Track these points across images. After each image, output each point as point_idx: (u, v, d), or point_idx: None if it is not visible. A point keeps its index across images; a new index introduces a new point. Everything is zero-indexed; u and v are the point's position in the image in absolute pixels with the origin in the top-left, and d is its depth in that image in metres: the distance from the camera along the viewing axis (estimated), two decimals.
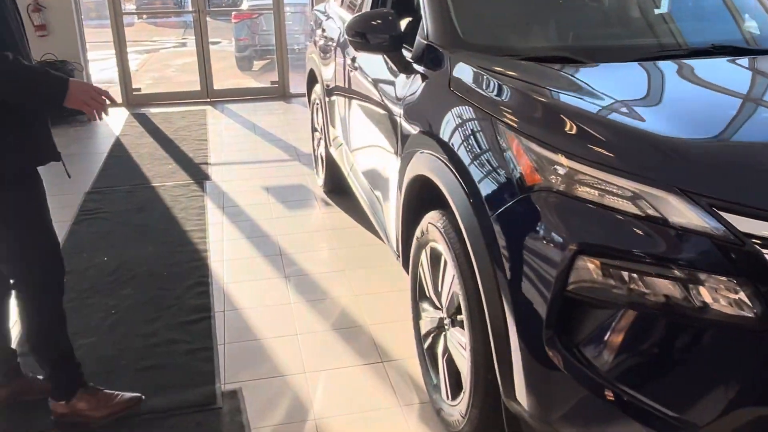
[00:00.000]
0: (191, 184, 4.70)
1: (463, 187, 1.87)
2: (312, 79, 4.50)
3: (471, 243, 1.81)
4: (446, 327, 2.18)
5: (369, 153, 3.12)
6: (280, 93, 7.52)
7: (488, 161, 1.82)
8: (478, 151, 1.88)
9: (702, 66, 2.17)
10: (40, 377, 2.45)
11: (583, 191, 1.57)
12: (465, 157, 1.91)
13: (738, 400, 1.44)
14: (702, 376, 1.48)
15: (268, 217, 4.11)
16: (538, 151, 1.67)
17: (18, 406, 2.38)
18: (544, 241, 1.58)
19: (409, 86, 2.46)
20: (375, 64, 2.90)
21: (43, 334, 2.19)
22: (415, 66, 2.46)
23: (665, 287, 1.45)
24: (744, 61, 2.26)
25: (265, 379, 2.54)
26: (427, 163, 2.17)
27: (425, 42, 2.43)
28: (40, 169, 2.08)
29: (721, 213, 1.43)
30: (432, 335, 2.31)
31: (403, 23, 2.66)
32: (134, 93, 7.23)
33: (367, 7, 3.30)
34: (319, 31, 4.31)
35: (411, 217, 2.43)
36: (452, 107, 2.08)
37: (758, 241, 1.41)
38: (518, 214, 1.67)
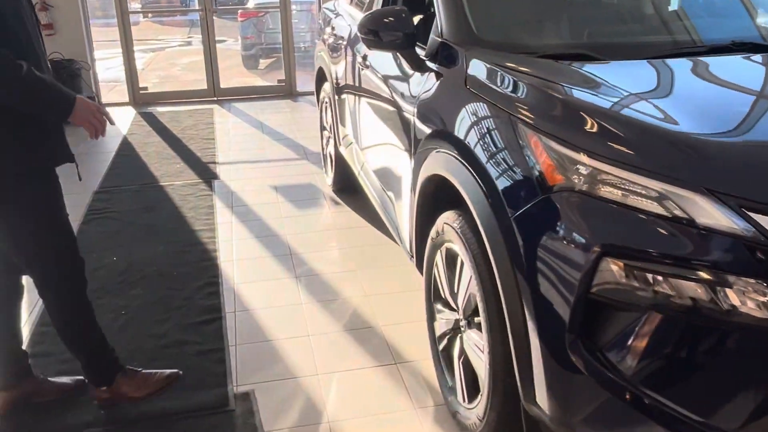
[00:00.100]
0: (199, 183, 4.68)
1: (481, 187, 1.84)
2: (321, 78, 4.47)
3: (490, 244, 1.78)
4: (462, 329, 2.15)
5: (381, 152, 3.09)
6: (287, 91, 7.50)
7: (507, 160, 1.79)
8: (497, 150, 1.85)
9: (724, 63, 2.13)
10: (51, 379, 2.44)
11: (607, 191, 1.53)
12: (483, 157, 1.88)
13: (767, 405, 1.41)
14: (729, 380, 1.44)
15: (277, 217, 4.09)
16: (560, 150, 1.63)
17: (29, 408, 2.35)
18: (567, 243, 1.55)
19: (423, 84, 2.43)
20: (387, 62, 2.87)
21: (73, 327, 2.24)
22: (429, 64, 2.43)
23: (692, 289, 1.42)
24: (765, 57, 2.22)
25: (277, 381, 2.52)
26: (442, 163, 2.13)
27: (439, 39, 2.39)
28: None
29: (751, 214, 1.40)
30: (447, 337, 2.28)
31: (415, 21, 2.63)
32: (141, 92, 7.22)
33: (377, 5, 3.27)
34: (328, 29, 4.28)
35: (425, 217, 2.40)
36: (469, 105, 2.05)
37: None
38: (540, 215, 1.64)
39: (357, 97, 3.44)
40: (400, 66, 2.73)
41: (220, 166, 5.08)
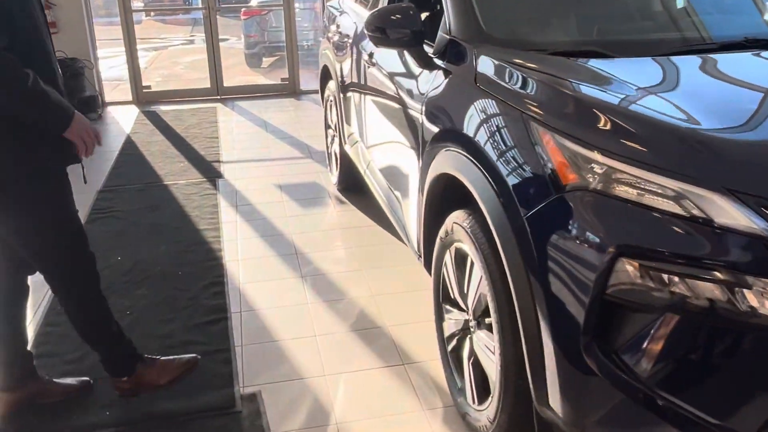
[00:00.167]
0: (204, 182, 4.65)
1: (492, 187, 1.81)
2: (325, 76, 4.44)
3: (502, 244, 1.75)
4: (472, 329, 2.12)
5: (387, 150, 3.06)
6: (290, 90, 7.47)
7: (519, 159, 1.76)
8: (508, 148, 1.82)
9: (737, 60, 2.10)
10: (56, 380, 2.42)
11: (622, 190, 1.50)
12: (494, 155, 1.85)
13: None
14: (747, 382, 1.42)
15: (282, 216, 4.07)
16: (573, 149, 1.61)
17: (33, 409, 2.33)
18: (582, 243, 1.52)
19: (431, 82, 2.40)
20: (394, 59, 2.84)
21: (90, 323, 2.25)
22: (437, 61, 2.41)
23: (710, 291, 1.39)
24: None
25: (284, 382, 2.49)
26: (452, 161, 2.11)
27: (448, 37, 2.37)
28: None
29: None
30: (456, 338, 2.26)
31: (422, 18, 2.59)
32: (144, 90, 7.20)
33: (383, 2, 3.24)
34: (333, 27, 4.25)
35: (434, 216, 2.37)
36: (479, 103, 2.02)
37: None
38: (553, 215, 1.61)
39: (363, 96, 3.42)
40: (407, 64, 2.70)
41: (224, 164, 5.05)
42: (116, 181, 4.74)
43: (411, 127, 2.59)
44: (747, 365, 1.42)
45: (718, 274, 1.39)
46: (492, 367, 1.95)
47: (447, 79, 2.31)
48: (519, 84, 1.92)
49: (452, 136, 2.15)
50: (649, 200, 1.47)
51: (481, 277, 1.94)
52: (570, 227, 1.56)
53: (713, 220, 1.40)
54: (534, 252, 1.64)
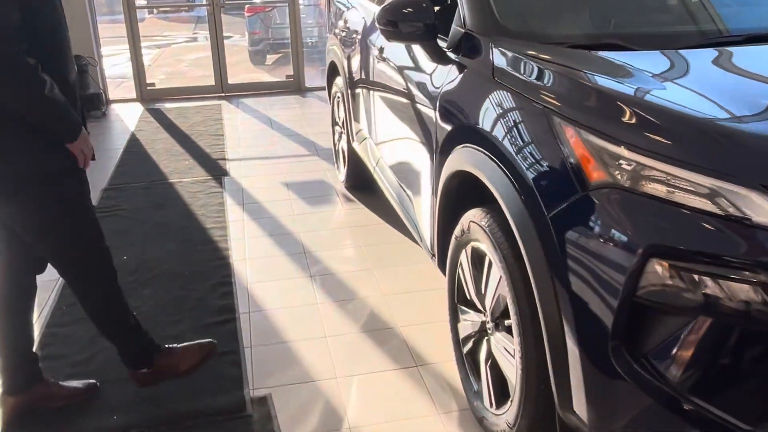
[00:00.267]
0: (209, 180, 4.60)
1: (513, 185, 1.75)
2: (333, 72, 4.38)
3: (524, 244, 1.69)
4: (489, 331, 2.06)
5: (398, 147, 3.00)
6: (295, 87, 7.41)
7: (542, 155, 1.70)
8: (530, 144, 1.75)
9: (766, 53, 2.03)
10: (63, 383, 2.36)
11: (653, 188, 1.44)
12: (514, 152, 1.79)
13: None
14: None
15: (289, 214, 4.01)
16: (600, 144, 1.54)
17: (39, 413, 2.28)
18: (610, 243, 1.46)
19: (446, 77, 2.34)
20: (406, 54, 2.78)
21: (108, 317, 2.26)
22: (451, 55, 2.34)
23: (746, 293, 1.33)
24: None
25: (295, 385, 2.43)
26: (469, 158, 2.04)
27: (462, 30, 2.30)
28: None
29: None
30: (473, 339, 2.20)
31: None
32: (148, 88, 7.14)
33: None
34: (340, 23, 4.19)
35: (449, 214, 2.31)
36: (497, 98, 1.96)
37: None
38: (578, 214, 1.55)
39: (372, 91, 3.35)
40: (419, 58, 2.64)
41: (229, 162, 4.99)
42: (121, 179, 4.69)
43: (423, 122, 2.53)
44: None
45: (753, 274, 1.32)
46: (512, 371, 1.89)
47: (462, 74, 2.25)
48: (540, 77, 1.86)
49: (469, 131, 2.09)
50: (681, 198, 1.40)
51: (500, 277, 1.88)
52: (597, 226, 1.50)
53: (750, 219, 1.34)
54: (558, 252, 1.58)
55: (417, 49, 2.64)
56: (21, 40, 1.81)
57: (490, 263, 1.97)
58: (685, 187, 1.40)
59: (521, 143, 1.79)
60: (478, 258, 2.08)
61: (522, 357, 1.79)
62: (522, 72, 1.93)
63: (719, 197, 1.37)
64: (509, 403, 1.93)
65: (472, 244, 2.08)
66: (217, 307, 2.95)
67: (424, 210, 2.62)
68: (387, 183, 3.25)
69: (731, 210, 1.35)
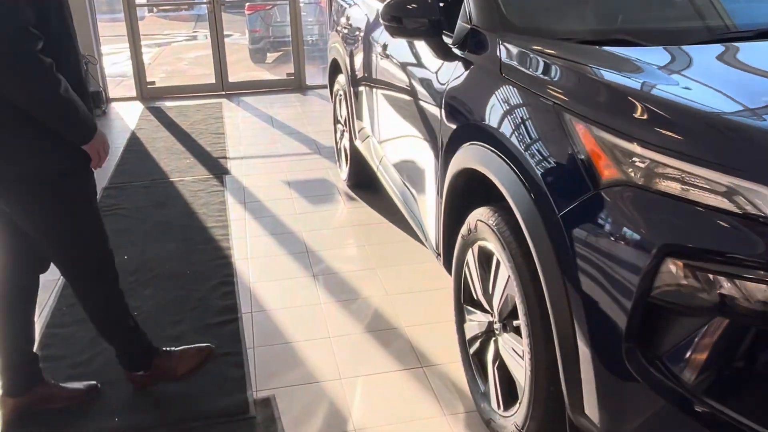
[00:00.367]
0: (210, 179, 4.56)
1: (523, 183, 1.71)
2: (335, 70, 4.35)
3: (534, 244, 1.66)
4: (497, 332, 2.03)
5: (402, 145, 2.96)
6: (296, 85, 7.38)
7: (552, 153, 1.66)
8: (540, 141, 1.72)
9: None
10: (63, 384, 2.33)
11: (668, 185, 1.40)
12: (523, 149, 1.75)
13: None
14: None
15: (291, 213, 3.97)
16: (612, 141, 1.51)
17: (38, 415, 2.24)
18: (623, 242, 1.42)
19: (451, 73, 2.30)
20: (410, 51, 2.75)
21: (107, 318, 2.25)
22: (457, 52, 2.31)
23: (763, 293, 1.29)
24: None
25: (298, 386, 2.40)
26: (476, 156, 2.01)
27: (468, 26, 2.26)
28: None
29: None
30: (479, 340, 2.16)
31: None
32: (149, 86, 7.10)
33: None
34: (342, 20, 4.15)
35: (455, 213, 2.27)
36: (506, 95, 1.92)
37: None
38: (590, 212, 1.51)
39: (375, 89, 3.32)
40: (424, 55, 2.60)
41: (231, 161, 4.96)
42: (121, 177, 4.65)
43: (428, 120, 2.49)
44: None
45: None
46: (520, 372, 1.86)
47: (468, 70, 2.21)
48: (549, 73, 1.82)
49: (476, 128, 2.05)
50: (697, 196, 1.37)
51: (509, 277, 1.85)
52: (609, 225, 1.47)
53: (767, 217, 1.30)
54: (569, 252, 1.54)
55: (421, 45, 2.61)
56: (37, 38, 1.79)
57: (498, 263, 1.94)
58: (700, 184, 1.37)
59: (530, 140, 1.75)
60: (485, 257, 2.05)
61: (531, 358, 1.76)
62: (531, 68, 1.90)
63: (736, 195, 1.33)
64: (518, 404, 1.89)
65: (480, 243, 2.05)
66: (218, 308, 2.91)
67: (428, 208, 2.59)
68: (390, 181, 3.22)
69: (748, 208, 1.32)
